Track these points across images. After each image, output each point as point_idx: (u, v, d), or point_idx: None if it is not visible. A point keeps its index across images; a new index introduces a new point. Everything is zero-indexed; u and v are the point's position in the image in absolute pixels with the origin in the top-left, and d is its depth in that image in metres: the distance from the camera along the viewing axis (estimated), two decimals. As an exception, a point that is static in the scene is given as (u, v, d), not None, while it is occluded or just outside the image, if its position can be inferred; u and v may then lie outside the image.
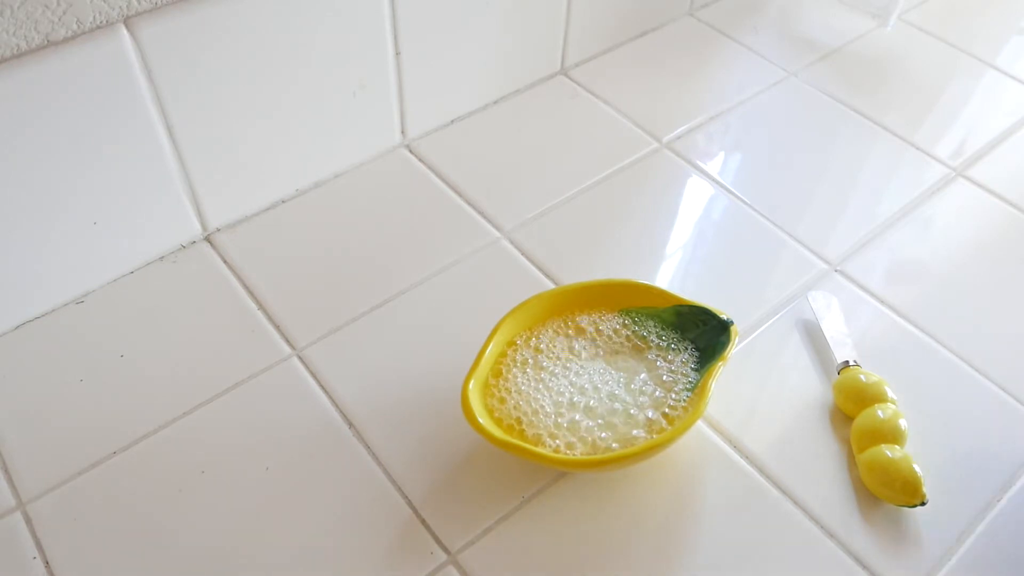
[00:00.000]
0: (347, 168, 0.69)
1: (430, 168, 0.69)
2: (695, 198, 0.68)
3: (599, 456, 0.47)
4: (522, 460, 0.50)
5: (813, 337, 0.58)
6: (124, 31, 0.50)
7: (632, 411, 0.49)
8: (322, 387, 0.55)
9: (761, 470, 0.51)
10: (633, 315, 0.54)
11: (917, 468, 0.48)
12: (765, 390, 0.56)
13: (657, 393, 0.50)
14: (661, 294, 0.53)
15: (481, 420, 0.46)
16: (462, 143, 0.72)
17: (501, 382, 0.51)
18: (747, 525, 0.49)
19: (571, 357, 0.52)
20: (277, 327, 0.58)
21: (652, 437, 0.48)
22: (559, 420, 0.49)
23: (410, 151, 0.71)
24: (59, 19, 0.48)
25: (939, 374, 0.57)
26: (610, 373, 0.51)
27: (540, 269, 0.62)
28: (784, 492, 0.50)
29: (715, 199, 0.68)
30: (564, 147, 0.72)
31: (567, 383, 0.50)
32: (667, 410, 0.49)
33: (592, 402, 0.50)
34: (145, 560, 0.47)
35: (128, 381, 0.55)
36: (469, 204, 0.67)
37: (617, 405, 0.49)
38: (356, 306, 0.59)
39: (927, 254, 0.64)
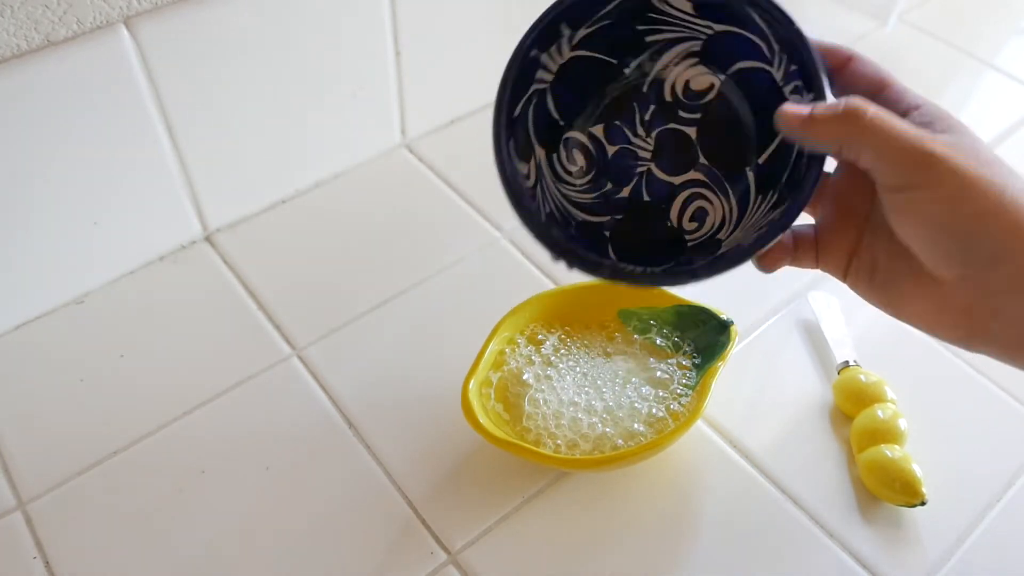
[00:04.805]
0: (347, 168, 0.68)
1: (430, 168, 0.69)
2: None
3: (599, 456, 0.47)
4: (522, 460, 0.50)
5: (813, 337, 0.58)
6: (124, 31, 0.50)
7: (632, 410, 0.49)
8: (322, 387, 0.55)
9: (761, 470, 0.51)
10: (633, 315, 0.54)
11: (917, 468, 0.48)
12: (765, 390, 0.56)
13: (657, 393, 0.50)
14: (661, 294, 0.53)
15: (481, 420, 0.46)
16: (462, 143, 0.72)
17: (501, 382, 0.51)
18: (747, 525, 0.49)
19: (571, 357, 0.52)
20: (277, 327, 0.58)
21: (652, 437, 0.48)
22: (559, 420, 0.49)
23: (410, 151, 0.71)
24: (59, 19, 0.48)
25: (939, 374, 0.57)
26: (610, 372, 0.51)
27: (540, 269, 0.62)
28: (784, 492, 0.50)
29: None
30: (564, 147, 0.72)
31: (567, 383, 0.50)
32: (667, 410, 0.49)
33: (592, 401, 0.50)
34: (145, 560, 0.47)
35: (128, 381, 0.55)
36: (469, 204, 0.67)
37: (618, 404, 0.49)
38: (356, 306, 0.59)
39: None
